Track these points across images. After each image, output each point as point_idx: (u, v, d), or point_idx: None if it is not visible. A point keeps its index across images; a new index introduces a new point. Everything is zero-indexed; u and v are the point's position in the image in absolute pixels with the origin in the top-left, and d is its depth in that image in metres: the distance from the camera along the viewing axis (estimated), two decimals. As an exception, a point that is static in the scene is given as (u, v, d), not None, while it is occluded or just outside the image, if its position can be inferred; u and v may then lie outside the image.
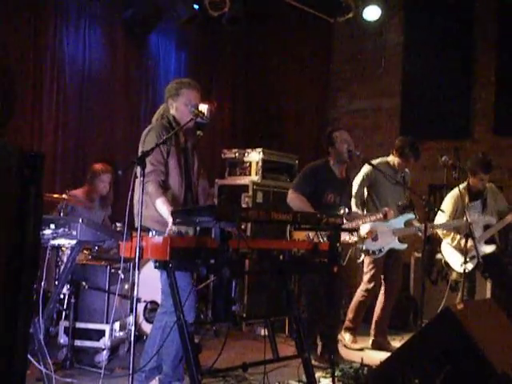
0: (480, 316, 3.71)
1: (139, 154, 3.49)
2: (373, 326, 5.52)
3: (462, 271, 5.40)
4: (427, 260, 5.81)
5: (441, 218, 5.63)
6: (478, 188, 5.68)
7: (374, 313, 5.53)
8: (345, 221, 4.80)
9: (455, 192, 5.63)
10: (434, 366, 3.32)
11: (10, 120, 5.34)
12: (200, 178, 3.94)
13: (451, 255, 5.68)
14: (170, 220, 3.36)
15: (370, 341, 5.51)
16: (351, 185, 5.27)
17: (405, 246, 5.41)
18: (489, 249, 5.61)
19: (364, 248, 5.33)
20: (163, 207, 3.48)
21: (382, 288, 5.49)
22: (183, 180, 3.73)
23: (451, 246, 5.66)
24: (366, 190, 5.46)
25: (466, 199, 5.60)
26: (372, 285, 5.41)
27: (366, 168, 5.40)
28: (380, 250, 5.33)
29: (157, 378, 3.73)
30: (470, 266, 5.51)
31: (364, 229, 5.26)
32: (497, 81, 7.30)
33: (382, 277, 5.46)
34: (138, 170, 3.31)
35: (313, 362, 3.84)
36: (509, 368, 3.26)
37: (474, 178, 5.65)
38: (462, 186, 5.60)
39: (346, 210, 4.90)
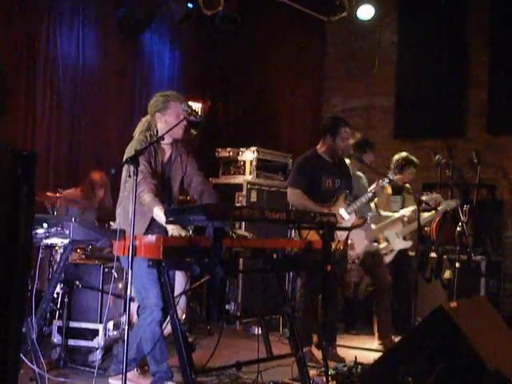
0: (473, 314, 3.72)
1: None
2: (375, 328, 5.55)
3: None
4: (421, 258, 5.82)
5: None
6: (399, 184, 5.74)
7: (374, 315, 5.56)
8: (347, 204, 4.86)
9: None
10: (428, 364, 3.33)
11: (1, 119, 5.32)
12: (194, 180, 3.96)
13: None
14: (168, 226, 3.45)
15: (375, 343, 5.53)
16: (347, 168, 5.18)
17: (375, 245, 5.42)
18: (406, 244, 5.68)
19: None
20: (161, 215, 3.49)
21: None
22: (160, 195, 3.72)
23: None
24: None
25: (390, 192, 5.71)
26: None
27: None
28: (358, 258, 5.34)
29: (135, 368, 3.79)
30: (388, 259, 5.60)
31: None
32: (490, 80, 7.33)
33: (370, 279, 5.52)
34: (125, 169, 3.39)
35: (306, 360, 3.85)
36: (501, 365, 3.27)
37: (401, 175, 5.71)
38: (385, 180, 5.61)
39: (345, 192, 4.92)
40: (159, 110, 3.84)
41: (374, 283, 5.55)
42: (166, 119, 3.81)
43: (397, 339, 5.45)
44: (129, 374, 3.70)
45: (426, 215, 5.58)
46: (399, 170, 5.71)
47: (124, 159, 3.54)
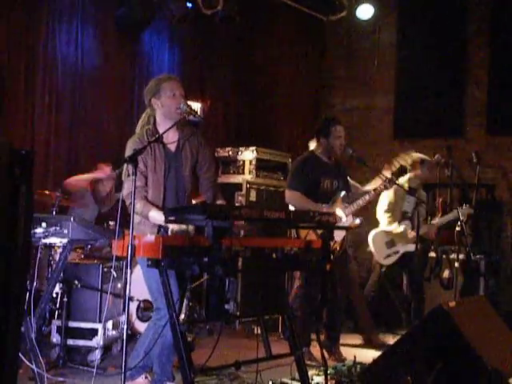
0: (472, 313, 3.72)
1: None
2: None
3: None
4: (419, 258, 5.81)
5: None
6: (417, 182, 5.61)
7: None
8: (345, 205, 4.83)
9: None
10: (426, 363, 3.33)
11: (0, 119, 5.32)
12: (203, 174, 3.79)
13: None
14: (169, 225, 3.39)
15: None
16: (344, 168, 5.12)
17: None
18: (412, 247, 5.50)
19: None
20: (158, 216, 3.43)
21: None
22: (163, 191, 3.61)
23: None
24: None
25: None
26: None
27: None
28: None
29: (143, 375, 3.73)
30: (391, 260, 5.58)
31: None
32: (489, 80, 7.34)
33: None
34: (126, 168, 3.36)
35: (306, 360, 3.85)
36: (500, 365, 3.27)
37: (418, 170, 5.58)
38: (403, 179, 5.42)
39: (343, 192, 4.88)
40: (154, 95, 3.63)
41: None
42: (162, 102, 3.59)
43: (386, 338, 5.54)
44: (137, 381, 3.70)
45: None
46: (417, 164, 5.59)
47: (125, 157, 3.46)
